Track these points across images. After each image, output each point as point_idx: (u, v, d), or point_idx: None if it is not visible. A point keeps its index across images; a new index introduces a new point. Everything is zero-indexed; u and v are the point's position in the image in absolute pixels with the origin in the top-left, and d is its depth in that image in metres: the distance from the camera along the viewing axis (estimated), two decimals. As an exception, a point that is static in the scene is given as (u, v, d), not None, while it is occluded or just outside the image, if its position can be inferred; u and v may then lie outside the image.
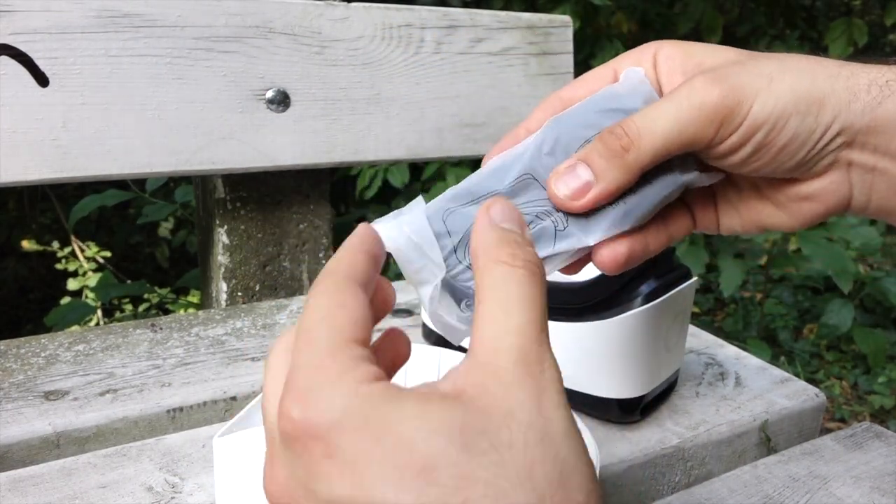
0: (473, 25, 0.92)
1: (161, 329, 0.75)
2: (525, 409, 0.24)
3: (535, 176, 0.34)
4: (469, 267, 0.32)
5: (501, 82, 0.95)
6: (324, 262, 0.95)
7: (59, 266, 2.21)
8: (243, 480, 0.44)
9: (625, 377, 0.57)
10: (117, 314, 2.09)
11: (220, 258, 0.89)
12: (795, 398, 0.68)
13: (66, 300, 2.05)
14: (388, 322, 0.77)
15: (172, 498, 0.51)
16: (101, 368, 0.66)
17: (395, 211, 0.32)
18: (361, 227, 0.30)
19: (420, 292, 0.32)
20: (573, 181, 0.33)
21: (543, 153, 0.34)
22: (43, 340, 0.71)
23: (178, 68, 0.75)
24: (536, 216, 0.34)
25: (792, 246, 2.27)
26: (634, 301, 0.56)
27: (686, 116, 0.33)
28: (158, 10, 0.74)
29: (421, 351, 0.59)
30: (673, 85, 0.36)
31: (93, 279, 2.12)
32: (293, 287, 0.94)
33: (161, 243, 2.54)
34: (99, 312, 1.89)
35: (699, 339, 0.79)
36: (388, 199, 2.52)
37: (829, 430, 0.67)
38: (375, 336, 0.29)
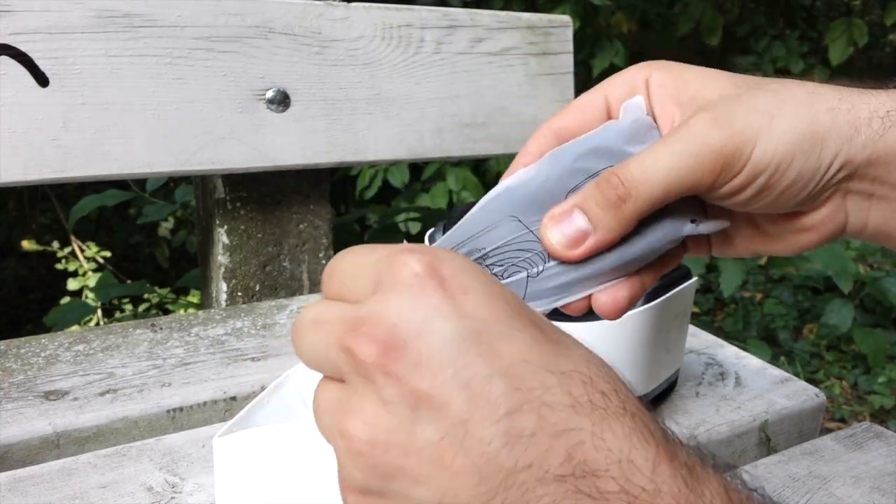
0: (473, 25, 0.92)
1: (161, 329, 0.75)
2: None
3: (521, 218, 0.33)
4: None
5: (501, 82, 0.95)
6: (324, 262, 0.95)
7: (59, 266, 2.21)
8: (243, 480, 0.44)
9: (625, 377, 0.57)
10: (117, 314, 2.09)
11: (220, 258, 0.89)
12: (795, 398, 0.68)
13: (66, 300, 2.05)
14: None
15: (172, 498, 0.51)
16: (101, 368, 0.66)
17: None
18: None
19: None
20: (568, 228, 0.33)
21: (534, 191, 0.33)
22: (43, 340, 0.71)
23: (178, 68, 0.75)
24: (514, 264, 0.33)
25: (792, 246, 2.27)
26: (634, 301, 0.55)
27: (685, 163, 0.31)
28: (158, 10, 0.74)
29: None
30: (667, 115, 0.35)
31: (93, 279, 2.11)
32: (293, 287, 0.94)
33: (161, 243, 2.54)
34: (99, 312, 1.89)
35: (699, 339, 0.79)
36: (388, 199, 2.52)
37: (829, 430, 0.67)
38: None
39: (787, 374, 0.72)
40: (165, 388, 0.63)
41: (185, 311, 1.67)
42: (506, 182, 0.34)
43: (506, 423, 0.24)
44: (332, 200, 0.97)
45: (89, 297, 1.97)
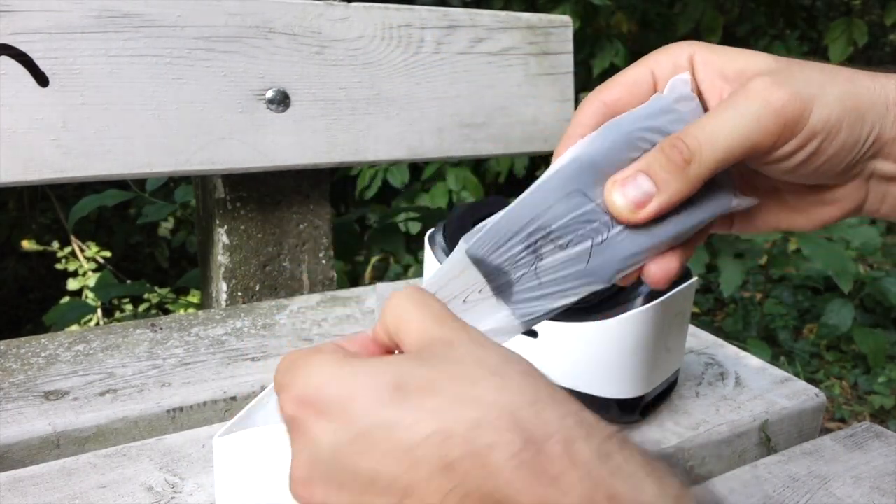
0: (473, 25, 0.92)
1: (161, 329, 0.75)
2: (462, 341, 0.29)
3: (584, 189, 0.34)
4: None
5: (501, 82, 0.95)
6: (324, 262, 0.95)
7: (59, 266, 2.21)
8: (243, 480, 0.44)
9: (624, 377, 0.57)
10: (117, 314, 2.09)
11: (220, 258, 0.89)
12: (795, 398, 0.68)
13: (66, 300, 2.05)
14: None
15: (172, 498, 0.51)
16: (101, 368, 0.66)
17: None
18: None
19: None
20: (633, 191, 0.33)
21: (594, 163, 0.34)
22: (43, 340, 0.71)
23: (178, 68, 0.75)
24: (579, 234, 0.34)
25: (792, 246, 2.27)
26: (634, 301, 0.56)
27: (748, 124, 0.32)
28: (158, 10, 0.74)
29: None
30: (714, 90, 0.36)
31: (93, 279, 2.11)
32: (293, 287, 0.94)
33: (161, 243, 2.54)
34: (99, 312, 1.89)
35: (699, 339, 0.79)
36: (388, 199, 2.52)
37: (829, 430, 0.67)
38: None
39: (787, 374, 0.72)
40: (165, 388, 0.63)
41: (185, 311, 1.67)
42: (570, 153, 0.35)
43: None
44: (332, 200, 0.97)
45: (89, 297, 1.97)
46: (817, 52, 3.32)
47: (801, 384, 0.70)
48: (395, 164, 2.22)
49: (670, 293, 0.57)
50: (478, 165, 2.65)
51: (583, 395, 0.59)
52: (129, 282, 2.07)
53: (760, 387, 0.69)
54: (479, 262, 0.34)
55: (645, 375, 0.58)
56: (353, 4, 0.85)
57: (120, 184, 1.43)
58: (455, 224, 0.61)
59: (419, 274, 1.92)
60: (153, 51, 0.74)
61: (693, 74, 0.36)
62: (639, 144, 0.34)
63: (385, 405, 0.27)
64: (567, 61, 1.00)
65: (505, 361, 0.28)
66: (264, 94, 0.80)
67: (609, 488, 0.25)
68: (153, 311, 2.04)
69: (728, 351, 0.77)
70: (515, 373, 0.28)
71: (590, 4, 2.49)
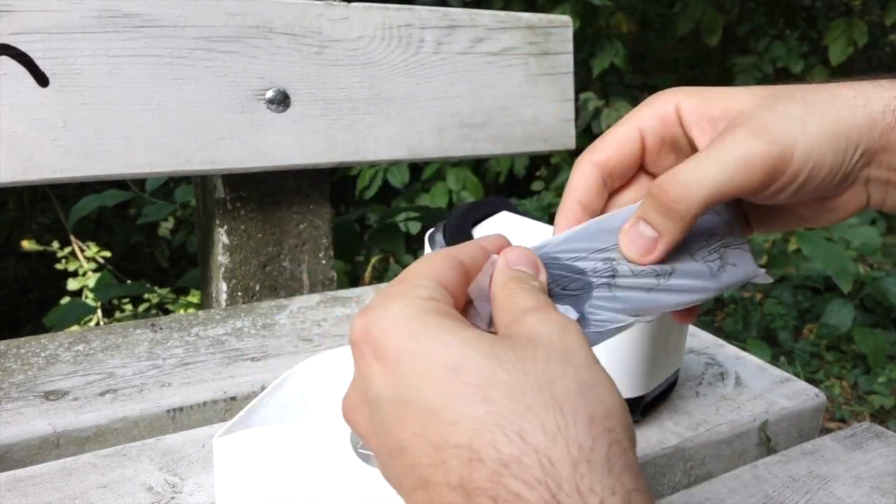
0: (473, 25, 0.92)
1: (161, 329, 0.75)
2: (549, 338, 0.27)
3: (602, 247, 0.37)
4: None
5: (501, 82, 0.95)
6: (324, 262, 0.95)
7: (59, 266, 2.21)
8: (243, 480, 0.44)
9: (624, 377, 0.57)
10: (117, 314, 2.10)
11: (220, 258, 0.89)
12: (795, 398, 0.68)
13: (65, 300, 2.05)
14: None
15: (172, 498, 0.51)
16: (101, 368, 0.66)
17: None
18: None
19: None
20: (638, 238, 0.35)
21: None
22: (43, 340, 0.71)
23: (178, 68, 0.75)
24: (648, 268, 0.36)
25: (792, 246, 2.27)
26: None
27: (732, 169, 0.33)
28: (158, 10, 0.74)
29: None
30: (704, 134, 0.37)
31: (93, 279, 2.11)
32: (293, 287, 0.94)
33: (161, 243, 2.54)
34: (99, 312, 1.89)
35: (699, 339, 0.79)
36: (388, 199, 2.52)
37: (829, 430, 0.67)
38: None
39: (787, 374, 0.72)
40: (165, 388, 0.63)
41: (185, 311, 1.67)
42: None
43: (410, 500, 0.26)
44: (332, 200, 0.97)
45: (89, 297, 1.97)
46: (817, 52, 3.32)
47: (801, 384, 0.70)
48: (395, 164, 2.22)
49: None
50: (478, 165, 2.65)
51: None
52: (129, 282, 2.07)
53: (760, 387, 0.69)
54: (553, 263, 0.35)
55: (645, 375, 0.58)
56: (353, 4, 0.85)
57: (120, 184, 1.43)
58: (455, 224, 0.61)
59: (419, 274, 1.92)
60: (153, 51, 0.74)
61: (682, 123, 0.37)
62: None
63: (434, 383, 0.25)
64: (567, 61, 1.00)
65: (578, 390, 0.25)
66: (264, 94, 0.80)
67: None
68: (153, 311, 2.04)
69: (728, 351, 0.77)
70: (582, 413, 0.25)
71: (590, 4, 2.49)
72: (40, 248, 2.30)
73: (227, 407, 0.64)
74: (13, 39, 0.68)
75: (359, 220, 2.14)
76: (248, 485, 0.44)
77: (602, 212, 0.38)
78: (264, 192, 0.89)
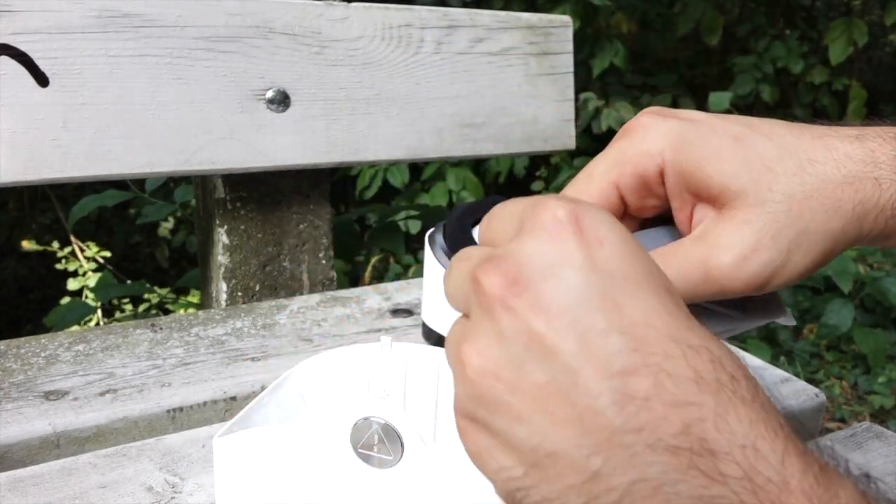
0: (473, 25, 0.92)
1: (161, 329, 0.75)
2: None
3: None
4: None
5: (501, 82, 0.95)
6: (324, 262, 0.95)
7: (59, 266, 2.21)
8: (243, 480, 0.44)
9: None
10: (117, 314, 2.10)
11: (220, 258, 0.89)
12: (795, 398, 0.68)
13: (66, 300, 2.05)
14: (389, 322, 0.77)
15: (172, 498, 0.51)
16: (101, 368, 0.66)
17: None
18: None
19: None
20: None
21: None
22: (43, 340, 0.71)
23: (178, 68, 0.75)
24: None
25: (792, 246, 2.26)
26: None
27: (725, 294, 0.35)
28: (158, 10, 0.74)
29: (421, 351, 0.59)
30: (686, 206, 0.37)
31: (93, 279, 2.12)
32: (293, 287, 0.94)
33: (161, 243, 2.54)
34: (99, 312, 1.89)
35: (699, 339, 0.79)
36: (388, 198, 2.53)
37: (829, 430, 0.67)
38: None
39: (787, 374, 0.72)
40: (165, 388, 0.63)
41: (185, 311, 1.67)
42: None
43: (618, 381, 0.24)
44: (332, 200, 0.97)
45: (89, 298, 1.97)
46: (817, 52, 3.32)
47: (801, 384, 0.70)
48: (394, 164, 2.22)
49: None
50: (478, 165, 2.65)
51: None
52: (129, 282, 2.07)
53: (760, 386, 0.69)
54: None
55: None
56: (353, 4, 0.85)
57: (120, 184, 1.43)
58: (455, 224, 0.61)
59: (419, 274, 1.92)
60: (153, 51, 0.74)
61: (665, 186, 0.37)
62: None
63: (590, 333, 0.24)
64: (567, 61, 1.00)
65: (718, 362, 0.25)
66: (264, 94, 0.80)
67: None
68: (153, 311, 2.04)
69: (728, 351, 0.77)
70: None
71: (590, 4, 2.49)
72: (40, 248, 2.30)
73: (227, 407, 0.64)
74: (13, 39, 0.68)
75: (359, 220, 2.14)
76: (248, 485, 0.44)
77: None
78: (264, 192, 0.89)
